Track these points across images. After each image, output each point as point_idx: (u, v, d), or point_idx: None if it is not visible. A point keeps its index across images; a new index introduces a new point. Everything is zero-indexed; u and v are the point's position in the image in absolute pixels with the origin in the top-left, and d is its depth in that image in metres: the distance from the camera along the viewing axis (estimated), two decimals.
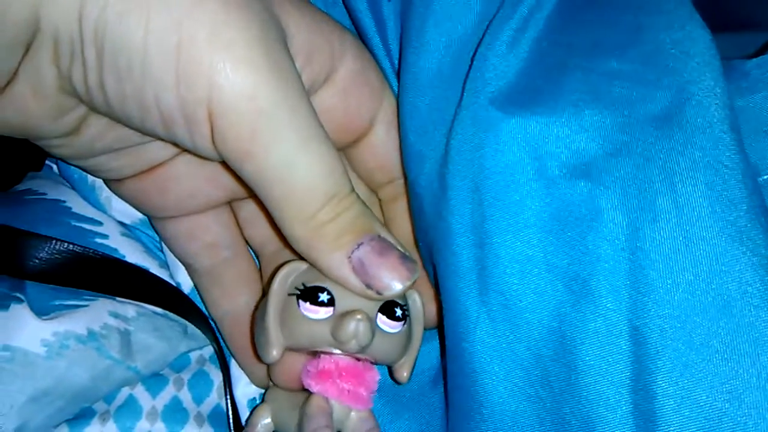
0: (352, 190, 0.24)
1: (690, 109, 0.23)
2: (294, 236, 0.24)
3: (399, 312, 0.26)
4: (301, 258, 0.25)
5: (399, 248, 0.25)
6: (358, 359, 0.26)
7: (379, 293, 0.24)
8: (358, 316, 0.24)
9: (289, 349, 0.26)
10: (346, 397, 0.26)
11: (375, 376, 0.27)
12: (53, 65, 0.21)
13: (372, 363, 0.27)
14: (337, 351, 0.26)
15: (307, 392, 0.27)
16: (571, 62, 0.25)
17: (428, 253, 0.28)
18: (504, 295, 0.24)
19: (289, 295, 0.26)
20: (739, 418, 0.20)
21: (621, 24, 0.25)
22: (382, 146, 0.29)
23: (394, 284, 0.24)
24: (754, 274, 0.21)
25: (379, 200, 0.32)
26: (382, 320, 0.25)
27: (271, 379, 0.29)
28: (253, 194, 0.28)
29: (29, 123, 0.23)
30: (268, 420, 0.29)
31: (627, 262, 0.22)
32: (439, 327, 0.28)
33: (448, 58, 0.27)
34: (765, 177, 0.27)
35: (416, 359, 0.28)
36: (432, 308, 0.29)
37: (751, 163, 0.27)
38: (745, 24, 0.40)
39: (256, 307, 0.29)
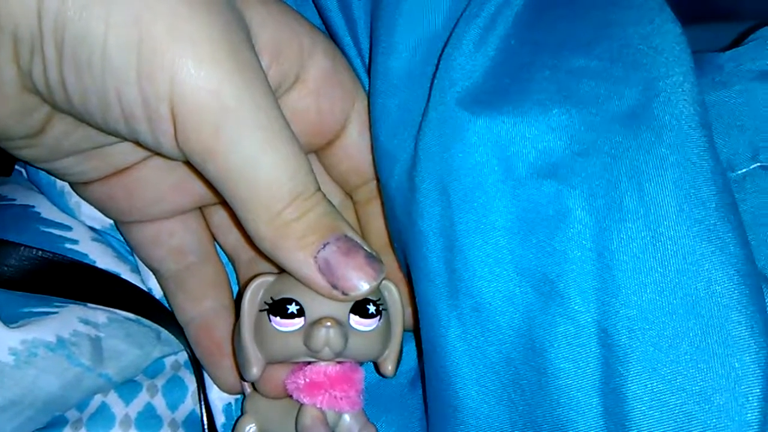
0: (318, 189, 0.24)
1: (658, 106, 0.22)
2: (259, 236, 0.23)
3: (372, 308, 0.25)
4: (275, 266, 0.25)
5: (365, 248, 0.24)
6: (341, 361, 0.26)
7: (345, 294, 0.24)
8: (328, 323, 0.24)
9: (270, 363, 0.26)
10: (339, 405, 0.26)
11: (362, 374, 0.27)
12: (13, 63, 0.21)
13: (355, 362, 0.27)
14: (315, 360, 0.25)
15: (291, 397, 0.27)
16: (539, 60, 0.24)
17: (403, 256, 0.28)
18: (474, 298, 0.24)
19: (260, 311, 0.25)
20: (708, 421, 0.20)
21: (589, 20, 0.25)
22: (355, 148, 0.29)
23: (361, 284, 0.24)
24: (723, 273, 0.21)
25: (354, 203, 0.31)
26: (355, 320, 0.25)
27: (255, 389, 0.29)
28: (222, 199, 0.28)
29: None
30: (254, 430, 0.28)
31: (594, 263, 0.22)
32: (416, 329, 0.28)
33: (418, 57, 0.27)
34: (739, 172, 0.27)
35: (401, 351, 0.27)
36: (408, 310, 0.29)
37: (726, 158, 0.27)
38: (721, 15, 0.40)
39: (235, 325, 0.28)
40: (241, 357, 0.26)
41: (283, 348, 0.25)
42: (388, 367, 0.27)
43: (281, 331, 0.25)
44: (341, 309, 0.25)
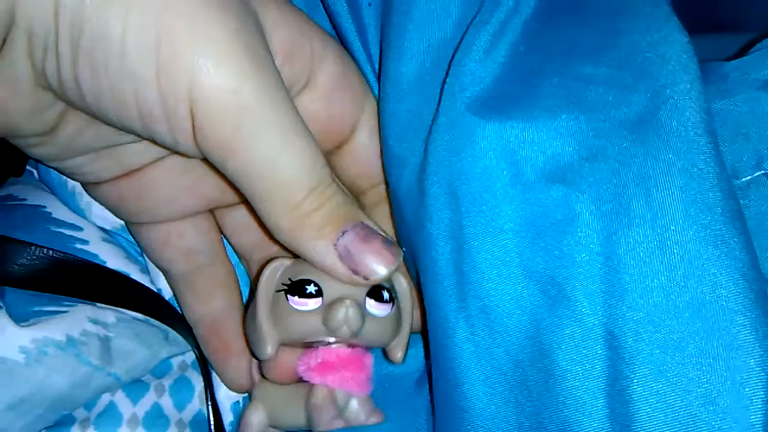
0: (334, 179, 0.25)
1: (665, 113, 0.23)
2: (279, 228, 0.24)
3: (386, 295, 0.26)
4: (293, 256, 0.26)
5: (382, 233, 0.25)
6: (353, 346, 0.27)
7: (366, 278, 0.24)
8: (347, 302, 0.25)
9: (283, 344, 0.27)
10: (349, 385, 0.26)
11: (371, 360, 0.28)
12: (27, 60, 0.21)
13: (366, 348, 0.28)
14: (331, 339, 0.26)
15: (302, 384, 0.27)
16: (548, 67, 0.25)
17: (411, 259, 0.28)
18: (482, 301, 0.24)
19: (277, 291, 0.26)
20: (713, 423, 0.20)
21: (597, 27, 0.25)
22: (364, 152, 0.29)
23: (380, 269, 0.24)
24: (728, 278, 0.21)
25: (362, 206, 0.32)
26: (371, 304, 0.26)
27: (263, 375, 0.29)
28: (236, 201, 0.28)
29: (6, 120, 0.23)
30: (263, 417, 0.29)
31: (602, 266, 0.22)
32: (423, 331, 0.29)
33: (428, 63, 0.27)
34: (744, 179, 0.27)
35: (409, 339, 0.28)
36: (417, 313, 0.29)
37: (730, 165, 0.28)
38: (727, 25, 0.40)
39: (246, 308, 0.29)
40: (254, 336, 0.27)
41: (301, 326, 0.26)
42: (398, 354, 0.28)
43: (299, 310, 0.25)
44: (358, 292, 0.25)
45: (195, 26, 0.21)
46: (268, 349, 0.26)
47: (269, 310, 0.26)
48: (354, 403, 0.27)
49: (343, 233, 0.24)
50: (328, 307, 0.25)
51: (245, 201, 0.25)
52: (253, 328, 0.27)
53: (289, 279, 0.26)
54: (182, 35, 0.21)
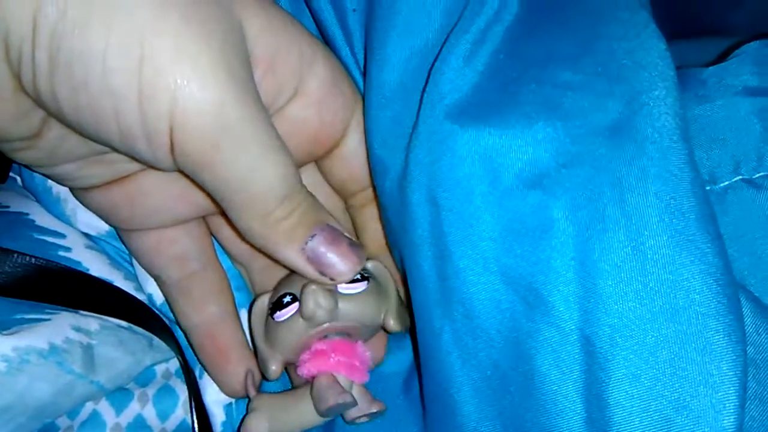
0: (302, 186, 0.26)
1: (640, 119, 0.23)
2: (252, 233, 0.25)
3: (357, 275, 0.27)
4: (289, 270, 0.28)
5: (347, 236, 0.27)
6: (347, 336, 0.28)
7: (332, 279, 0.26)
8: (312, 287, 0.26)
9: (287, 361, 0.28)
10: (341, 369, 0.28)
11: (366, 350, 0.29)
12: (6, 64, 0.21)
13: (362, 340, 0.29)
14: (316, 330, 0.27)
15: (303, 387, 0.28)
16: (526, 74, 0.25)
17: (400, 257, 0.29)
18: (464, 306, 0.24)
19: (267, 317, 0.28)
20: (687, 426, 0.20)
21: (576, 35, 0.25)
22: (353, 156, 0.30)
23: (345, 269, 0.26)
24: (702, 283, 0.21)
25: (351, 207, 0.32)
26: (342, 286, 0.27)
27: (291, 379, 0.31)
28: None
29: None
30: (265, 425, 0.29)
31: (577, 271, 0.22)
32: (412, 331, 0.29)
33: (410, 70, 0.27)
34: (721, 185, 0.27)
35: (399, 307, 0.29)
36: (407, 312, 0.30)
37: (708, 171, 0.28)
38: (709, 31, 0.40)
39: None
40: (260, 360, 0.29)
41: (288, 334, 0.27)
42: (390, 323, 0.29)
43: (283, 321, 0.27)
44: None
45: (178, 45, 0.21)
46: (272, 368, 0.28)
47: (265, 338, 0.29)
48: (354, 392, 0.28)
49: (312, 237, 0.26)
50: (301, 302, 0.26)
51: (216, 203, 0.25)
52: (258, 355, 0.29)
53: (271, 303, 0.28)
54: (165, 55, 0.21)
